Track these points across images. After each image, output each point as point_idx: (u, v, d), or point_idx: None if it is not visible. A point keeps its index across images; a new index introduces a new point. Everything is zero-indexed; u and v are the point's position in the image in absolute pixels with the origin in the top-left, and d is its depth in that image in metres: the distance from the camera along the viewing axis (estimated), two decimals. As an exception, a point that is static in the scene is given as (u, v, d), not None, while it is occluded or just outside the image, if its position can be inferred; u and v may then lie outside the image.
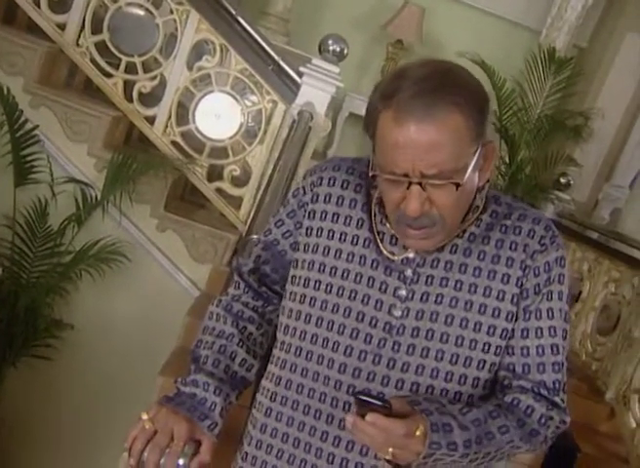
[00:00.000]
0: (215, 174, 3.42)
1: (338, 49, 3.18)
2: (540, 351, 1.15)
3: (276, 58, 3.39)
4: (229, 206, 3.38)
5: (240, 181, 3.39)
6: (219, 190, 3.38)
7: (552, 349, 1.16)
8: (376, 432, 0.98)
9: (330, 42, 3.17)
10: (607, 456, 3.03)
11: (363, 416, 0.97)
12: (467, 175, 1.05)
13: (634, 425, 3.02)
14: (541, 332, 1.15)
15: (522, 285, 1.14)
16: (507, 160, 4.86)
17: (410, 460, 1.02)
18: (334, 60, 3.20)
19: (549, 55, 4.84)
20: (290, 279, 1.23)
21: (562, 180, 4.69)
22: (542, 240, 1.16)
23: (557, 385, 1.17)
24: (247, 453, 1.23)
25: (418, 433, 1.00)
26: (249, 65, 3.34)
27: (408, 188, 1.05)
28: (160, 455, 1.11)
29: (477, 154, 1.07)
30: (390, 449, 0.99)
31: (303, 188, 1.24)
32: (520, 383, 1.16)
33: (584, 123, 4.89)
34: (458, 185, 1.05)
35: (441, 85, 1.03)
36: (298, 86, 3.26)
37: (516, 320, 1.15)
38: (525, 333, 1.15)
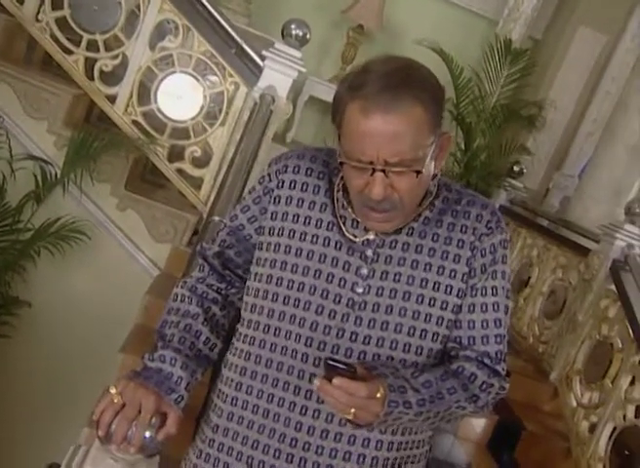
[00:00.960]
0: (175, 154, 3.43)
1: (300, 34, 3.20)
2: (485, 324, 1.25)
3: (239, 40, 3.39)
4: (190, 186, 3.40)
5: (201, 162, 3.41)
6: (179, 171, 3.39)
7: (495, 323, 1.26)
8: (340, 394, 1.05)
9: (293, 27, 3.19)
10: (549, 434, 3.18)
11: (330, 380, 1.05)
12: (426, 163, 1.14)
13: (575, 404, 3.17)
14: (486, 308, 1.25)
15: (471, 264, 1.24)
16: (463, 147, 4.96)
17: (369, 420, 1.10)
18: (296, 45, 3.23)
19: (506, 45, 4.94)
20: (255, 261, 1.28)
21: (515, 168, 4.81)
22: (489, 224, 1.25)
23: (499, 355, 1.27)
24: (217, 426, 1.28)
25: (378, 395, 1.08)
26: (211, 47, 3.35)
27: (372, 175, 1.13)
28: (128, 427, 1.15)
29: (434, 144, 1.15)
30: (352, 410, 1.07)
31: (269, 175, 1.30)
32: (466, 353, 1.25)
33: (538, 113, 5.01)
34: (418, 173, 1.13)
35: (405, 80, 1.12)
36: (260, 69, 3.27)
37: (465, 296, 1.24)
38: (471, 308, 1.25)
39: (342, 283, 1.22)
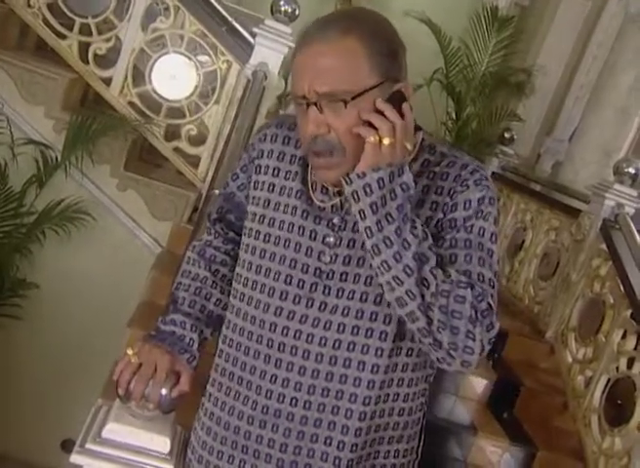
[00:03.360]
0: (172, 133, 3.49)
1: (289, 9, 3.25)
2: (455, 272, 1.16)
3: (229, 18, 3.44)
4: (188, 164, 3.47)
5: (197, 141, 3.47)
6: (177, 149, 3.46)
7: (466, 274, 1.13)
8: (395, 118, 1.08)
9: (281, 3, 3.24)
10: (547, 389, 3.28)
11: None
12: (364, 100, 1.09)
13: (570, 360, 3.27)
14: (455, 258, 1.14)
15: (441, 224, 1.16)
16: (454, 116, 5.02)
17: (378, 160, 1.07)
18: (285, 21, 3.27)
19: (492, 13, 4.98)
20: (244, 230, 1.31)
21: (506, 135, 4.87)
22: (466, 182, 1.16)
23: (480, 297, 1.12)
24: (210, 394, 1.33)
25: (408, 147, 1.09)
26: (203, 26, 3.39)
27: (307, 111, 1.11)
28: (145, 385, 1.23)
29: (382, 88, 1.10)
30: (386, 140, 1.07)
31: (252, 145, 1.31)
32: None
33: (527, 79, 5.06)
34: (346, 103, 1.08)
35: (340, 16, 1.16)
36: (251, 46, 3.32)
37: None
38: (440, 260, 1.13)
39: (309, 252, 1.20)
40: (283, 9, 3.25)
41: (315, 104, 1.10)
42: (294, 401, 1.21)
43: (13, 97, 3.33)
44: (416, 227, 1.09)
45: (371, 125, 1.08)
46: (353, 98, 1.09)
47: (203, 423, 1.31)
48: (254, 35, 3.33)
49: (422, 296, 1.08)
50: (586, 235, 3.47)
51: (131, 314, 2.80)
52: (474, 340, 1.09)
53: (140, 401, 1.24)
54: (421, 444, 1.34)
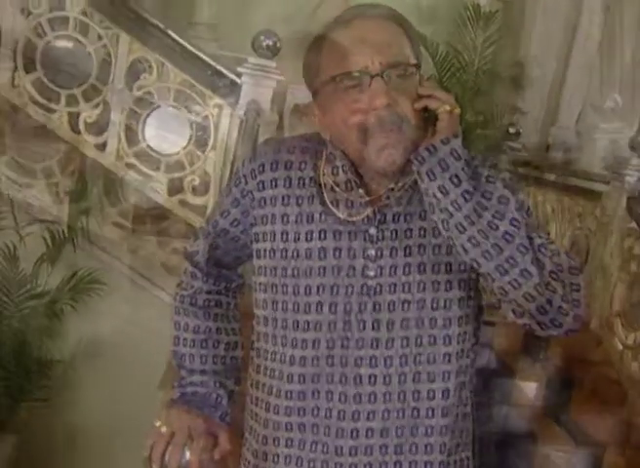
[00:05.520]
0: (175, 187, 3.46)
1: (271, 43, 3.23)
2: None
3: (212, 63, 3.43)
4: (195, 214, 3.43)
5: (201, 190, 3.43)
6: (182, 202, 3.43)
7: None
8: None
9: (262, 38, 3.23)
10: (601, 382, 3.15)
11: None
12: (414, 78, 1.09)
13: (621, 347, 3.14)
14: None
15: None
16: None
17: (455, 128, 1.05)
18: (269, 55, 3.26)
19: (475, 11, 4.94)
20: (256, 270, 1.22)
21: (511, 130, 4.80)
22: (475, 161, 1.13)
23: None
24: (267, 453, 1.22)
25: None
26: (187, 75, 3.38)
27: (370, 85, 1.06)
28: (182, 454, 1.16)
29: (418, 73, 1.10)
30: (457, 109, 1.06)
31: (244, 177, 1.21)
32: None
33: (521, 72, 5.00)
34: (413, 71, 1.08)
35: (378, 4, 1.14)
36: (239, 87, 3.31)
37: None
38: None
39: (352, 271, 1.13)
40: (264, 44, 3.23)
41: (381, 76, 1.06)
42: (369, 432, 1.14)
43: (11, 177, 3.32)
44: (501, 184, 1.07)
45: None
46: (418, 68, 1.09)
47: None
48: (239, 75, 3.31)
49: (533, 249, 1.04)
50: (612, 216, 3.37)
51: (160, 375, 2.73)
52: (579, 291, 1.08)
53: None
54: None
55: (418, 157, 1.04)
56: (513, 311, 1.08)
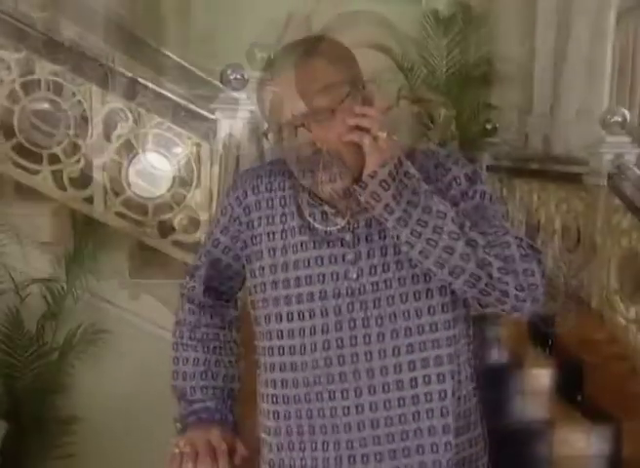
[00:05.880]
0: (166, 228, 3.50)
1: (238, 76, 3.29)
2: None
3: (183, 103, 3.48)
4: (190, 253, 3.46)
5: (192, 227, 3.47)
6: (175, 242, 3.46)
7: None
8: (377, 114, 1.13)
9: (229, 72, 3.28)
10: (610, 359, 3.16)
11: None
12: (342, 110, 1.14)
13: (624, 322, 3.16)
14: (476, 223, 1.18)
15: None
16: (431, 125, 5.01)
17: (382, 156, 1.11)
18: (238, 87, 3.31)
19: (434, 17, 5.03)
20: (251, 289, 1.30)
21: (488, 126, 4.86)
22: (443, 166, 1.23)
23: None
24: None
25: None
26: (162, 119, 3.44)
27: (296, 136, 1.15)
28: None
29: (354, 94, 1.15)
30: (381, 134, 1.11)
31: (230, 205, 1.30)
32: None
33: (489, 68, 5.07)
34: (329, 115, 1.13)
35: (299, 43, 1.20)
36: (214, 122, 3.37)
37: None
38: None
39: (335, 276, 1.22)
40: (232, 77, 3.29)
41: (302, 125, 1.13)
42: (374, 423, 1.21)
43: (4, 242, 3.35)
44: (439, 198, 1.13)
45: (357, 129, 1.13)
46: (332, 111, 1.13)
47: None
48: (213, 111, 3.37)
49: (476, 254, 1.11)
50: (596, 195, 3.41)
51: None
52: (534, 275, 1.13)
53: None
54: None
55: (355, 191, 1.13)
56: (478, 303, 1.19)
